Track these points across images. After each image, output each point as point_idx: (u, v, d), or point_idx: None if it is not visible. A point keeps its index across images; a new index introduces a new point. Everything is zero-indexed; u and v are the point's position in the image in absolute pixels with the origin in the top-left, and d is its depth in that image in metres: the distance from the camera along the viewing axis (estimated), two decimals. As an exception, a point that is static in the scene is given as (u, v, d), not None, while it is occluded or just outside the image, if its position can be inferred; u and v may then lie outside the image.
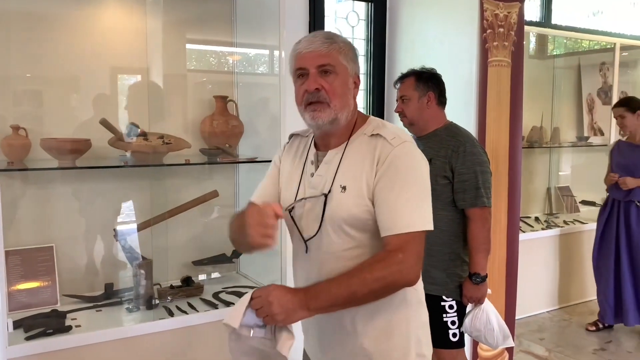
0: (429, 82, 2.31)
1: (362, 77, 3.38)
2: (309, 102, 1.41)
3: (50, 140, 2.30)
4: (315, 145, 1.51)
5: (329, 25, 3.32)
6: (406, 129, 2.35)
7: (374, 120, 1.49)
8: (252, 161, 2.71)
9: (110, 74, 2.61)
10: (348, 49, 1.44)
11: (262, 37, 2.81)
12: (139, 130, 2.48)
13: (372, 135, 1.42)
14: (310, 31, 3.17)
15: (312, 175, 1.47)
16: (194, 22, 2.83)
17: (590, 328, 3.89)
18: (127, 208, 2.64)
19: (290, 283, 2.49)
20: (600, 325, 3.90)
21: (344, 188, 1.39)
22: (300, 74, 1.43)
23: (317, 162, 1.48)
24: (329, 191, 1.41)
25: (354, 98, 1.48)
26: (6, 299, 2.01)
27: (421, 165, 1.41)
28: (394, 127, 1.47)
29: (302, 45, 1.42)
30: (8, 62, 2.29)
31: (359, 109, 1.52)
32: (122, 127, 2.51)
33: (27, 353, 2.02)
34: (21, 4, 2.37)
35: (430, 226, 1.36)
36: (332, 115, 1.40)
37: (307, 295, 1.27)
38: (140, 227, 2.56)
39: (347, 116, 1.44)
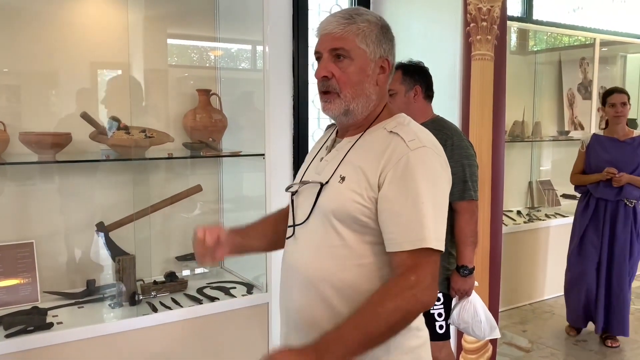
0: (415, 75, 2.31)
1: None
2: (322, 90, 1.31)
3: (29, 134, 2.26)
4: (337, 132, 1.42)
5: (313, 19, 3.30)
6: None
7: (400, 117, 1.34)
8: (235, 155, 2.68)
9: (91, 68, 2.57)
10: (371, 29, 1.28)
11: (245, 32, 2.79)
12: (120, 124, 2.45)
13: (391, 132, 1.27)
14: (293, 26, 3.14)
15: (321, 159, 1.38)
16: (176, 16, 2.79)
17: (572, 333, 3.75)
18: (109, 203, 2.60)
19: (275, 278, 2.48)
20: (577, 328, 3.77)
21: (342, 179, 1.28)
22: (317, 57, 1.32)
23: (330, 148, 1.39)
24: (327, 181, 1.30)
25: (379, 85, 1.32)
26: (-15, 296, 1.97)
27: (440, 175, 1.25)
28: (420, 128, 1.31)
29: (322, 25, 1.31)
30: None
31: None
32: (104, 121, 2.47)
33: (7, 351, 1.98)
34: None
35: (443, 246, 1.20)
36: (342, 107, 1.29)
37: (317, 352, 1.11)
38: (121, 224, 2.52)
39: (364, 106, 1.31)
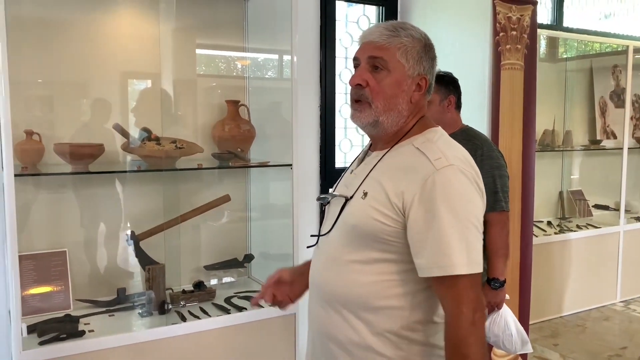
0: (450, 85, 2.31)
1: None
2: (353, 98, 1.29)
3: (63, 145, 2.31)
4: (371, 145, 1.40)
5: (340, 30, 3.32)
6: None
7: (431, 132, 1.30)
8: (263, 165, 2.70)
9: (123, 79, 2.62)
10: (413, 45, 1.27)
11: (274, 41, 2.81)
12: (151, 135, 2.49)
13: (418, 149, 1.24)
14: (321, 36, 3.17)
15: (351, 172, 1.38)
16: (206, 27, 2.83)
17: None
18: (140, 212, 2.64)
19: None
20: None
21: (365, 194, 1.26)
22: (355, 64, 1.30)
23: (361, 161, 1.38)
24: (352, 196, 1.30)
25: (414, 102, 1.29)
26: (20, 303, 2.01)
27: (468, 194, 1.19)
28: (449, 144, 1.27)
29: (365, 33, 1.30)
30: (21, 67, 2.30)
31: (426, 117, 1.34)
32: (135, 132, 2.51)
33: (41, 358, 2.01)
34: (34, 10, 2.38)
35: (479, 268, 1.17)
36: (372, 118, 1.27)
37: None
38: (152, 233, 2.55)
39: (394, 121, 1.28)
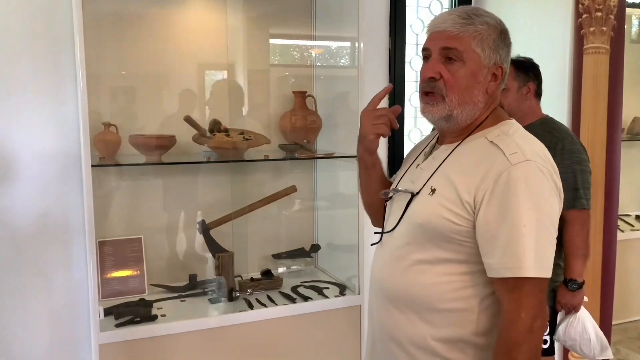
0: (529, 72, 2.19)
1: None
2: (424, 90, 1.23)
3: (137, 136, 2.40)
4: (439, 137, 1.34)
5: (410, 15, 3.22)
6: None
7: (506, 124, 1.23)
8: (330, 157, 2.69)
9: (195, 71, 2.68)
10: (489, 33, 1.19)
11: (341, 29, 2.77)
12: (221, 126, 2.54)
13: (492, 142, 1.18)
14: (390, 23, 3.09)
15: (417, 166, 1.32)
16: (274, 16, 2.83)
17: None
18: (210, 202, 2.70)
19: (367, 280, 2.46)
20: None
21: (433, 191, 1.20)
22: (425, 55, 1.25)
23: (428, 154, 1.32)
24: (419, 192, 1.24)
25: (489, 93, 1.22)
26: (99, 287, 2.12)
27: (545, 192, 1.12)
28: (526, 138, 1.20)
29: (435, 22, 1.23)
30: (98, 61, 2.40)
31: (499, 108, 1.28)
32: (205, 123, 2.57)
33: (117, 339, 2.12)
34: (109, 5, 2.47)
35: (548, 273, 1.11)
36: (445, 112, 1.21)
37: None
38: (221, 222, 2.61)
39: (469, 114, 1.22)
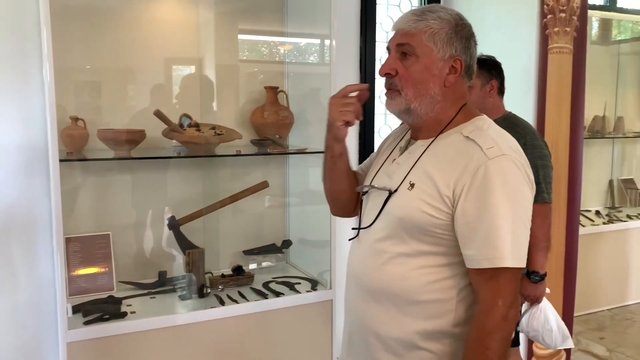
0: (492, 69, 2.24)
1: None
2: (385, 87, 1.28)
3: (106, 130, 2.36)
4: (412, 132, 1.37)
5: (381, 14, 3.25)
6: None
7: (480, 120, 1.27)
8: (302, 152, 2.69)
9: (164, 65, 2.65)
10: (441, 26, 1.22)
11: (313, 26, 2.78)
12: (191, 121, 2.51)
13: (468, 137, 1.21)
14: (361, 21, 3.12)
15: (393, 160, 1.34)
16: (246, 12, 2.82)
17: None
18: (180, 197, 2.68)
19: (339, 275, 2.48)
20: None
21: (412, 185, 1.23)
22: (388, 53, 1.29)
23: (404, 149, 1.34)
24: (397, 189, 1.26)
25: (447, 86, 1.25)
26: (66, 284, 2.08)
27: (520, 185, 1.16)
28: (500, 133, 1.24)
29: (395, 22, 1.28)
30: (66, 54, 2.35)
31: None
32: (175, 118, 2.54)
33: (85, 337, 2.08)
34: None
35: (523, 262, 1.15)
36: (403, 105, 1.25)
37: None
38: (191, 218, 2.59)
39: (428, 107, 1.25)
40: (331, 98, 1.36)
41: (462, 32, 1.26)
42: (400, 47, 1.24)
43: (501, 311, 1.13)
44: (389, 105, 1.29)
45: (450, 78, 1.26)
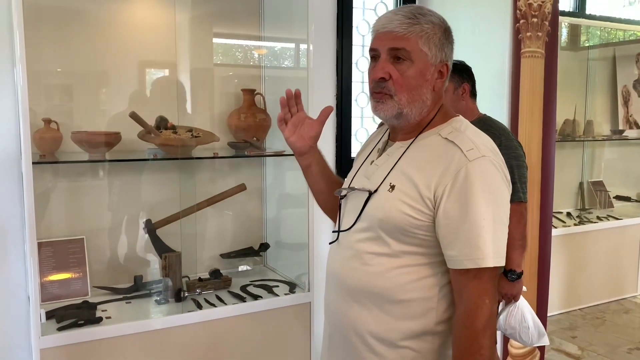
0: (463, 73, 2.27)
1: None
2: (374, 90, 1.25)
3: (81, 133, 2.32)
4: (390, 134, 1.37)
5: (357, 17, 3.28)
6: None
7: (456, 121, 1.27)
8: (279, 155, 2.69)
9: (140, 68, 2.62)
10: (434, 31, 1.22)
11: (290, 30, 2.79)
12: (168, 123, 2.49)
13: (447, 139, 1.21)
14: (337, 24, 3.14)
15: (372, 162, 1.34)
16: (222, 16, 2.82)
17: None
18: (156, 200, 2.65)
19: (317, 277, 2.48)
20: None
21: (392, 187, 1.23)
22: (372, 55, 1.26)
23: (382, 151, 1.34)
24: (376, 190, 1.26)
25: (436, 90, 1.26)
26: (39, 289, 2.04)
27: (499, 186, 1.18)
28: (477, 134, 1.25)
29: (380, 22, 1.24)
30: (39, 57, 2.32)
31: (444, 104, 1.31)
32: (152, 120, 2.51)
33: (59, 343, 2.04)
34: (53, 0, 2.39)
35: (503, 261, 1.17)
36: (395, 110, 1.23)
37: None
38: (168, 221, 2.57)
39: (418, 112, 1.25)
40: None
41: (449, 37, 1.27)
42: (394, 52, 1.22)
43: (489, 308, 1.16)
44: (378, 109, 1.26)
45: (439, 83, 1.27)
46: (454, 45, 1.30)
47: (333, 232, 1.41)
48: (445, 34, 1.25)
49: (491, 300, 1.16)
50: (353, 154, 3.24)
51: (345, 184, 1.42)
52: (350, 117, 3.27)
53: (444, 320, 1.25)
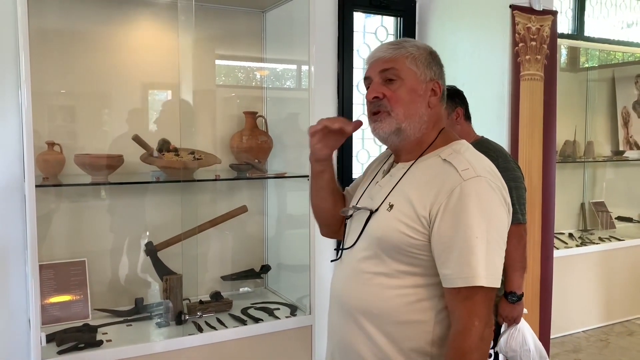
0: (455, 98, 2.29)
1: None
2: (372, 111, 1.31)
3: (83, 156, 2.34)
4: (394, 156, 1.41)
5: (358, 40, 3.32)
6: None
7: (457, 144, 1.30)
8: (281, 176, 2.70)
9: (143, 90, 2.65)
10: (419, 52, 1.30)
11: (292, 52, 2.82)
12: (170, 146, 2.51)
13: (445, 160, 1.24)
14: (338, 47, 3.18)
15: (376, 183, 1.38)
16: (225, 38, 2.86)
17: None
18: (158, 222, 2.65)
19: (318, 300, 2.47)
20: None
21: (391, 207, 1.26)
22: (367, 84, 1.34)
23: (386, 172, 1.38)
24: (377, 209, 1.30)
25: (432, 107, 1.30)
26: (40, 312, 2.03)
27: (495, 206, 1.19)
28: (476, 156, 1.27)
29: (371, 53, 1.34)
30: (43, 78, 2.34)
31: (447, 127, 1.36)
32: (154, 142, 2.53)
33: (59, 367, 2.03)
34: (56, 22, 2.43)
35: (498, 283, 1.16)
36: (394, 125, 1.27)
37: None
38: (169, 243, 2.57)
39: (416, 127, 1.29)
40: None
41: (436, 59, 1.34)
42: (384, 73, 1.29)
43: (478, 331, 1.15)
44: (378, 128, 1.30)
45: (433, 100, 1.31)
46: (443, 69, 1.36)
47: (335, 249, 1.43)
48: (431, 55, 1.32)
49: (482, 323, 1.15)
50: (354, 175, 3.26)
51: (352, 205, 1.44)
52: (352, 138, 3.29)
53: (438, 343, 1.25)
